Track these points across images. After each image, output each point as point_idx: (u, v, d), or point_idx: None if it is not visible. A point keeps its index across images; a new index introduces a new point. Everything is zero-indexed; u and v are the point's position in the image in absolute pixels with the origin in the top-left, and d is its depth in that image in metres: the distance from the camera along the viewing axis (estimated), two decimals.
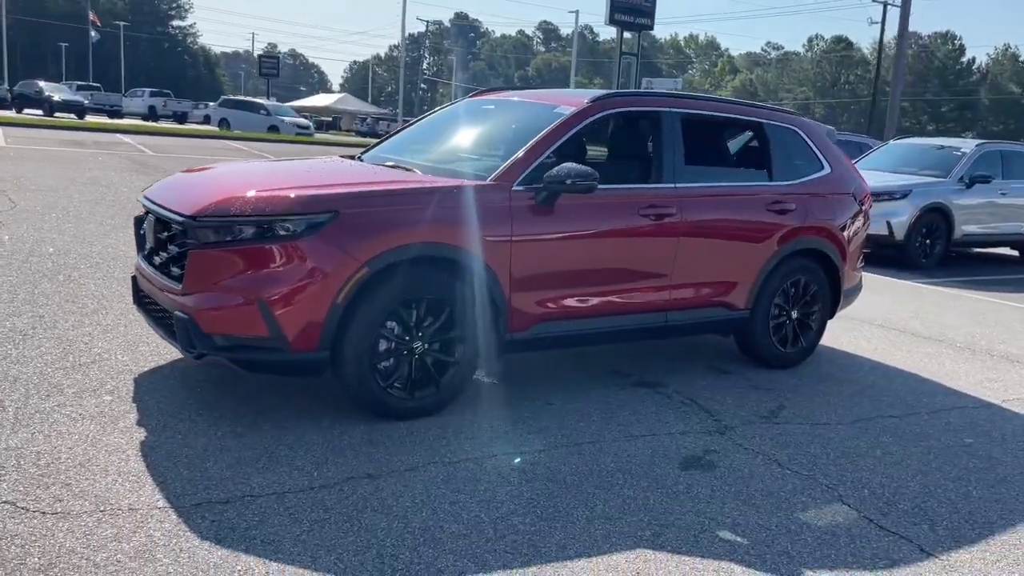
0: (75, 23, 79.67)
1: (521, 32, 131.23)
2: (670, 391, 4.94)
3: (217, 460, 3.44)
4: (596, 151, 5.77)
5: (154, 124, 38.99)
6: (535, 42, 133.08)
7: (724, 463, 3.93)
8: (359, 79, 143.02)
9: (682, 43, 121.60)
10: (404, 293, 3.95)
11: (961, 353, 6.58)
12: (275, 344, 3.71)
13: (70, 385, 4.13)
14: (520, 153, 4.44)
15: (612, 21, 30.99)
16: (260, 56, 45.94)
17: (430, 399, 4.13)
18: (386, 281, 3.87)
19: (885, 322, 7.55)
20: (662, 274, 4.86)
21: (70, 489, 3.07)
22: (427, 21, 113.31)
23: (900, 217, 11.00)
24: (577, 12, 44.08)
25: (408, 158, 5.01)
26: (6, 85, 42.50)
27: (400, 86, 63.23)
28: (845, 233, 5.74)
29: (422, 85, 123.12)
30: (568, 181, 4.27)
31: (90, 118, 35.81)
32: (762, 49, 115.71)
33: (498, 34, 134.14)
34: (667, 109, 5.03)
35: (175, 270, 3.94)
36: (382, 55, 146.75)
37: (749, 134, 5.80)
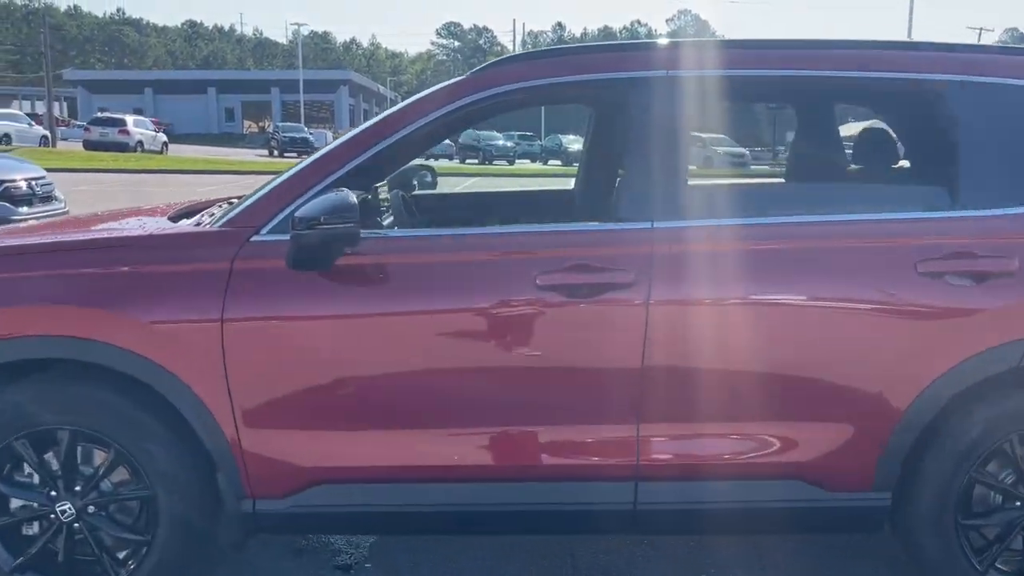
0: None
1: None
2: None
3: None
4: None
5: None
6: None
7: None
8: None
9: None
10: (28, 418, 2.36)
11: None
12: None
13: None
14: (284, 177, 2.49)
15: None
16: None
17: None
18: None
19: None
20: (617, 407, 2.33)
21: None
22: (978, 28, 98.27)
23: None
24: None
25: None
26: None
27: None
28: None
29: None
30: (319, 222, 2.20)
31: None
32: None
33: None
34: (646, 73, 2.44)
35: None
36: None
37: (914, 112, 2.70)
